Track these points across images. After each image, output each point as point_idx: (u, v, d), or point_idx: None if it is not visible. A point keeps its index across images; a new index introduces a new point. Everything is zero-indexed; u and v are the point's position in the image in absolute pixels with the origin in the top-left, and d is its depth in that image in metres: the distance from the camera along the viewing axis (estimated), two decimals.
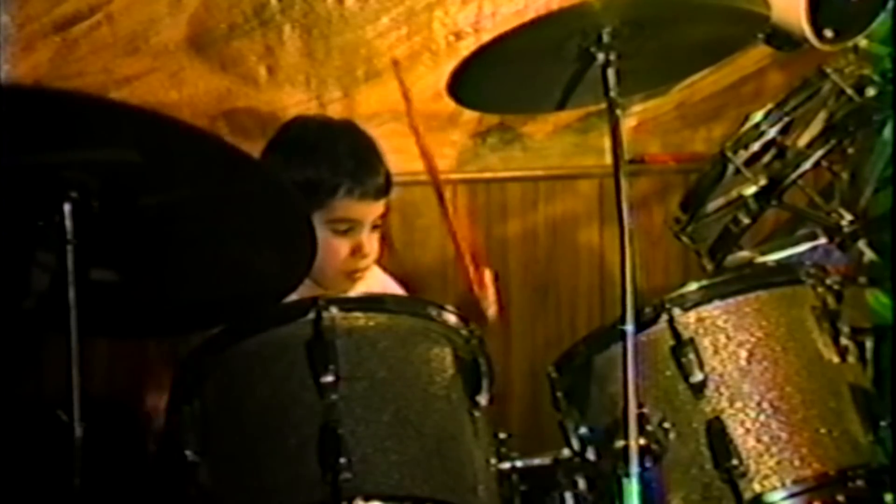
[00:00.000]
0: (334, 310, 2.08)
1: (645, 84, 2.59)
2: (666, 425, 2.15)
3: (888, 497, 2.15)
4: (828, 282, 2.29)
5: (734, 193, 2.70)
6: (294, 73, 3.15)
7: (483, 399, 2.16)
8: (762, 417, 2.14)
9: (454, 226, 2.74)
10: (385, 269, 2.80)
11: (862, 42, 2.71)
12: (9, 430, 2.80)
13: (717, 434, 2.13)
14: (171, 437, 2.15)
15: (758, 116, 2.70)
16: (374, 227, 2.61)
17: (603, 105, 2.21)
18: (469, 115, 3.21)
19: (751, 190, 2.65)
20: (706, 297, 2.21)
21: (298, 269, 2.12)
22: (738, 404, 2.14)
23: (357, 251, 2.58)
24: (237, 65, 3.11)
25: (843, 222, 2.64)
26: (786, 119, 2.70)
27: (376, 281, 2.73)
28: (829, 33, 2.67)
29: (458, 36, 3.22)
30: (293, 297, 2.17)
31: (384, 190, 2.61)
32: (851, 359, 2.25)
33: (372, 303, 2.16)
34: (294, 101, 3.14)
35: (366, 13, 3.14)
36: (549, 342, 3.32)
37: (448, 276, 3.00)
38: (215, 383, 2.12)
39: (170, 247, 2.05)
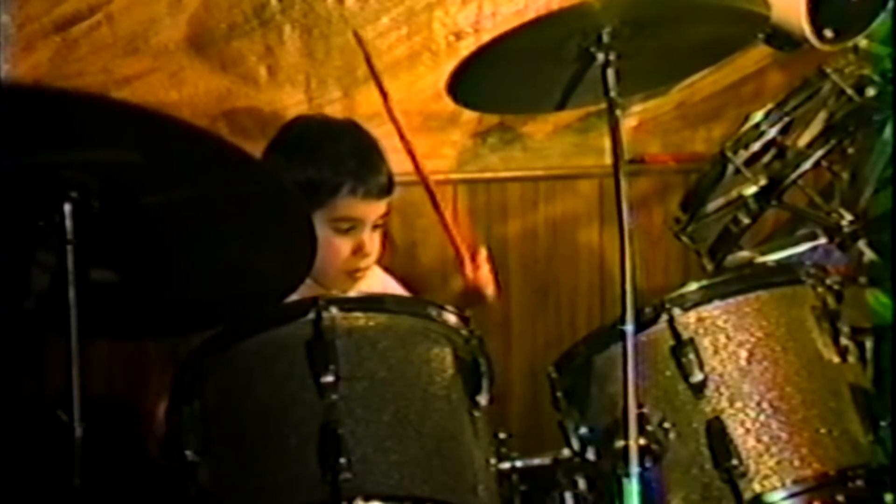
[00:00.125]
0: (334, 310, 2.08)
1: (645, 84, 2.60)
2: (666, 425, 2.15)
3: (888, 497, 2.15)
4: (828, 282, 2.29)
5: (734, 193, 2.70)
6: (294, 73, 3.14)
7: (483, 399, 2.16)
8: (762, 417, 2.14)
9: (442, 207, 2.76)
10: (386, 268, 2.80)
11: (862, 42, 2.71)
12: (9, 430, 2.80)
13: (717, 434, 2.13)
14: (171, 437, 2.15)
15: (758, 116, 2.70)
16: (376, 227, 2.61)
17: (603, 105, 2.21)
18: (469, 115, 3.21)
19: (751, 190, 2.65)
20: (706, 297, 2.21)
21: (299, 269, 2.12)
22: (738, 404, 2.14)
23: (358, 251, 2.58)
24: (237, 65, 3.11)
25: (843, 222, 2.64)
26: (786, 119, 2.70)
27: (377, 281, 2.73)
28: (829, 33, 2.67)
29: (458, 36, 3.22)
30: (294, 296, 2.17)
31: (387, 189, 2.61)
32: (851, 359, 2.25)
33: (372, 303, 2.16)
34: (294, 101, 3.14)
35: (366, 13, 3.14)
36: (549, 342, 3.32)
37: (448, 277, 3.00)
38: (215, 383, 2.12)
39: (170, 247, 2.05)
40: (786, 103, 2.70)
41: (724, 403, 2.15)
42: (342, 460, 1.98)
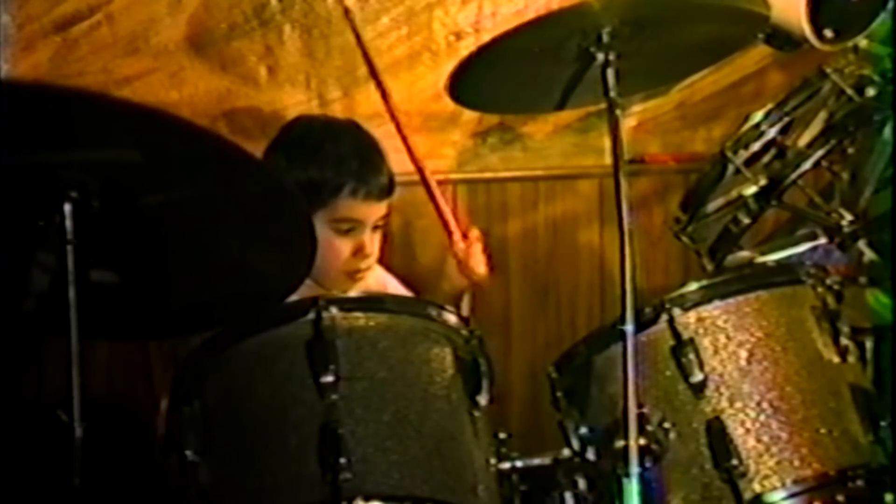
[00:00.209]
0: (334, 310, 2.08)
1: (645, 84, 2.60)
2: (666, 425, 2.15)
3: (888, 497, 2.15)
4: (828, 282, 2.29)
5: (734, 193, 2.70)
6: (294, 73, 3.15)
7: (483, 399, 2.16)
8: (762, 417, 2.13)
9: (433, 187, 2.76)
10: (388, 269, 2.80)
11: (862, 42, 2.71)
12: (9, 430, 2.80)
13: (717, 434, 2.13)
14: (171, 437, 2.15)
15: (758, 116, 2.70)
16: (376, 228, 2.61)
17: (603, 105, 2.21)
18: (469, 115, 3.21)
19: (751, 190, 2.65)
20: (706, 297, 2.21)
21: (299, 269, 2.12)
22: (738, 404, 2.14)
23: (359, 251, 2.57)
24: (237, 65, 3.11)
25: (843, 222, 2.63)
26: (786, 119, 2.70)
27: (377, 281, 2.73)
28: (829, 33, 2.67)
29: (458, 36, 3.22)
30: (294, 297, 2.17)
31: (388, 190, 2.61)
32: (851, 359, 2.25)
33: (372, 303, 2.16)
34: (294, 101, 3.14)
35: (366, 13, 3.14)
36: (549, 342, 3.32)
37: None
38: (215, 383, 2.12)
39: (170, 247, 2.05)
40: (786, 103, 2.70)
41: (724, 403, 2.15)
42: (342, 460, 1.98)
